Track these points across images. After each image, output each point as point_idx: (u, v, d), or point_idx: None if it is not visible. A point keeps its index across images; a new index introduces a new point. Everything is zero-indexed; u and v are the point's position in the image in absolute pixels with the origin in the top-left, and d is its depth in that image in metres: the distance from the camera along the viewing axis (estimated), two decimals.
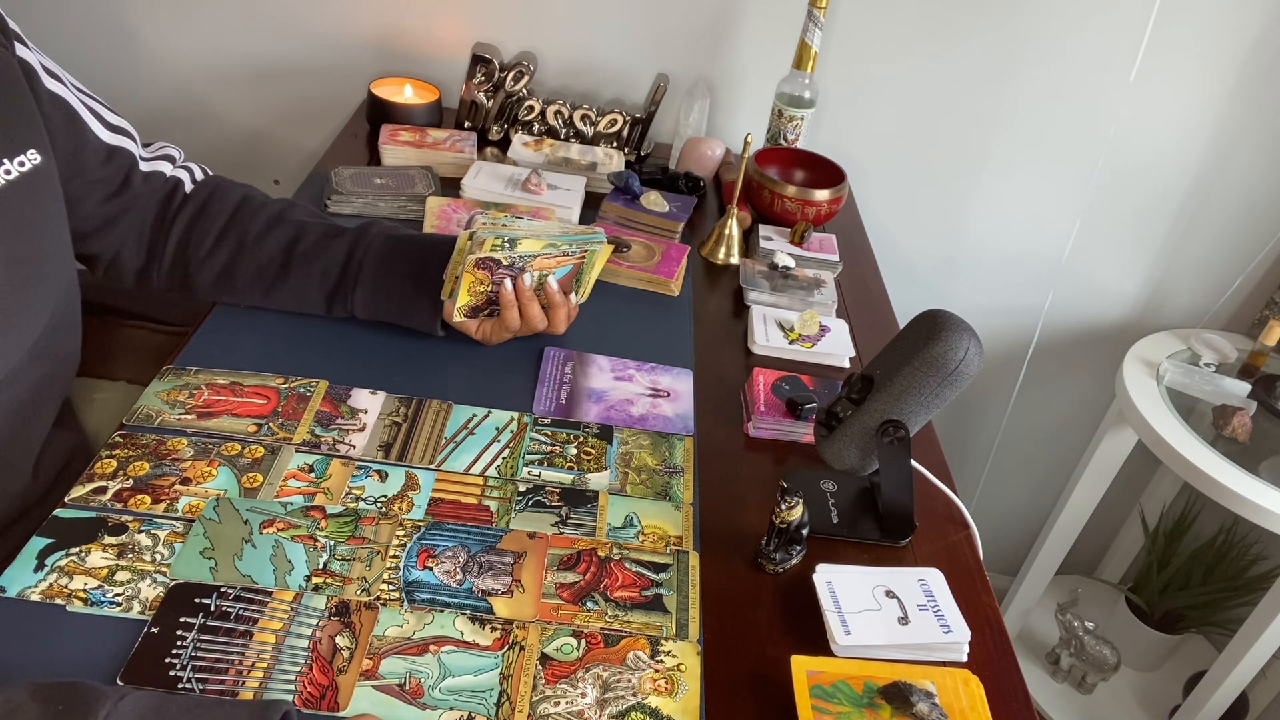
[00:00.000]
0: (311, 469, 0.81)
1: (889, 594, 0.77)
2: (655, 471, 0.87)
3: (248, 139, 1.61)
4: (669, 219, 1.25)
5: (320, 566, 0.73)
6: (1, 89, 0.75)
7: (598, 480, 0.85)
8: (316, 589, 0.71)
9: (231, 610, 0.68)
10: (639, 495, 0.84)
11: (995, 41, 1.44)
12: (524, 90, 1.40)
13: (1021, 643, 1.84)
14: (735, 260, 1.25)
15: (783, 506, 0.77)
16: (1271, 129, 1.47)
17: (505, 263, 0.91)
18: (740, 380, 1.02)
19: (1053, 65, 1.45)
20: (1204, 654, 1.84)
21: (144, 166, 0.91)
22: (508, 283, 0.92)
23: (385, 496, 0.80)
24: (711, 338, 1.09)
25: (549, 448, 0.88)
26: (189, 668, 0.64)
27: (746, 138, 1.18)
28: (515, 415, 0.91)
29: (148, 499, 0.75)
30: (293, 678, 0.64)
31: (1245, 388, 1.44)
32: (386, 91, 1.42)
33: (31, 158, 0.75)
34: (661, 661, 0.70)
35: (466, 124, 1.42)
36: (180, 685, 0.63)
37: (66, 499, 0.74)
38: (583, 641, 0.70)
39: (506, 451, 0.87)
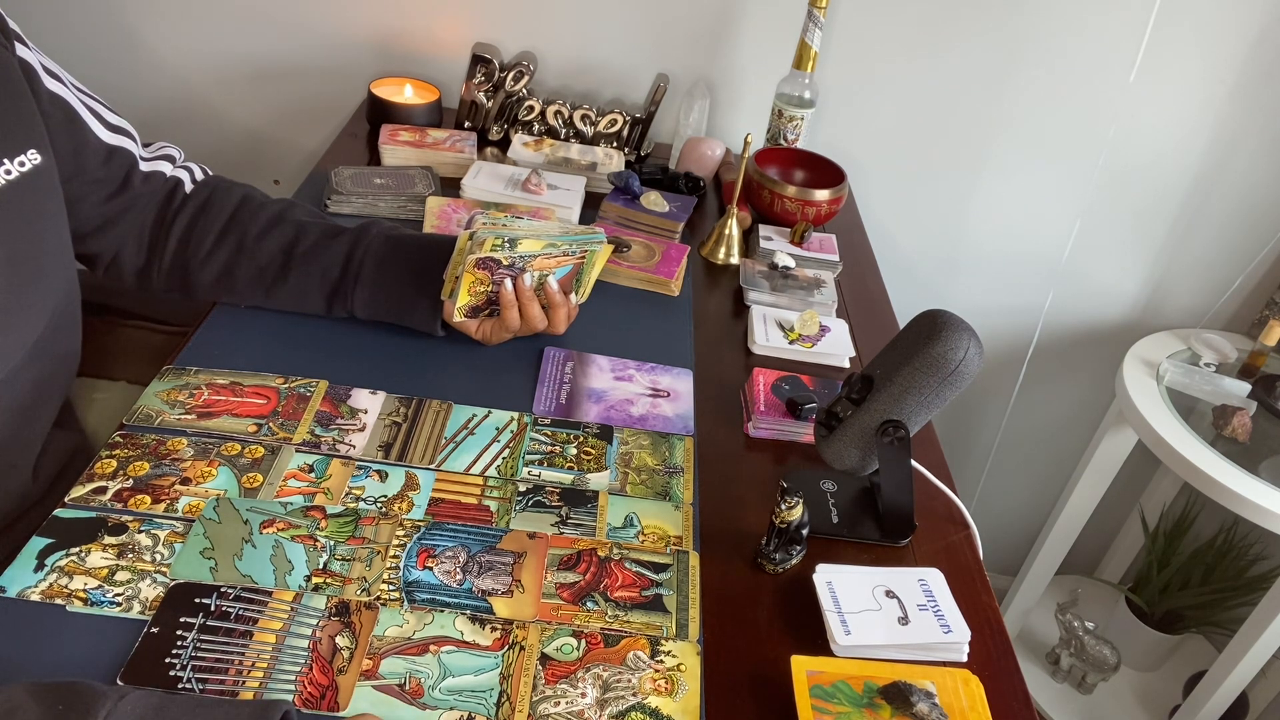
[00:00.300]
0: (311, 469, 0.81)
1: (889, 594, 0.77)
2: (655, 471, 0.87)
3: (248, 139, 1.61)
4: (669, 219, 1.25)
5: (320, 566, 0.73)
6: (2, 89, 0.75)
7: (598, 480, 0.85)
8: (316, 589, 0.71)
9: (231, 610, 0.68)
10: (639, 495, 0.84)
11: (995, 41, 1.44)
12: (524, 90, 1.40)
13: (1021, 643, 1.84)
14: (735, 260, 1.25)
15: (783, 506, 0.77)
16: (1271, 129, 1.47)
17: (505, 263, 0.91)
18: (740, 380, 1.02)
19: (1053, 65, 1.45)
20: (1204, 654, 1.84)
21: (144, 166, 0.91)
22: (508, 283, 0.92)
23: (385, 496, 0.80)
24: (711, 338, 1.09)
25: (549, 448, 0.88)
26: (189, 668, 0.64)
27: (746, 138, 1.18)
28: (515, 415, 0.91)
29: (148, 499, 0.75)
30: (293, 678, 0.64)
31: (1245, 388, 1.44)
32: (386, 91, 1.42)
33: (32, 158, 0.75)
34: (661, 661, 0.70)
35: (466, 124, 1.42)
36: (180, 685, 0.63)
37: (66, 499, 0.74)
38: (583, 641, 0.70)
39: (506, 451, 0.87)
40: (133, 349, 1.08)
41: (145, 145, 0.94)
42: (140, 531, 0.73)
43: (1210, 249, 1.60)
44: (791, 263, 1.20)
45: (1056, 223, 1.59)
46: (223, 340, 0.94)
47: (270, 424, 0.85)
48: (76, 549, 0.71)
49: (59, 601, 0.67)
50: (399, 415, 0.88)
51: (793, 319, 1.12)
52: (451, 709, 0.64)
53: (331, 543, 0.75)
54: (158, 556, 0.71)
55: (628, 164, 1.41)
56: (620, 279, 1.15)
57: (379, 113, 1.40)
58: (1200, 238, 1.59)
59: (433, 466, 0.84)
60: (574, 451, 0.88)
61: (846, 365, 1.08)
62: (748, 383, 1.00)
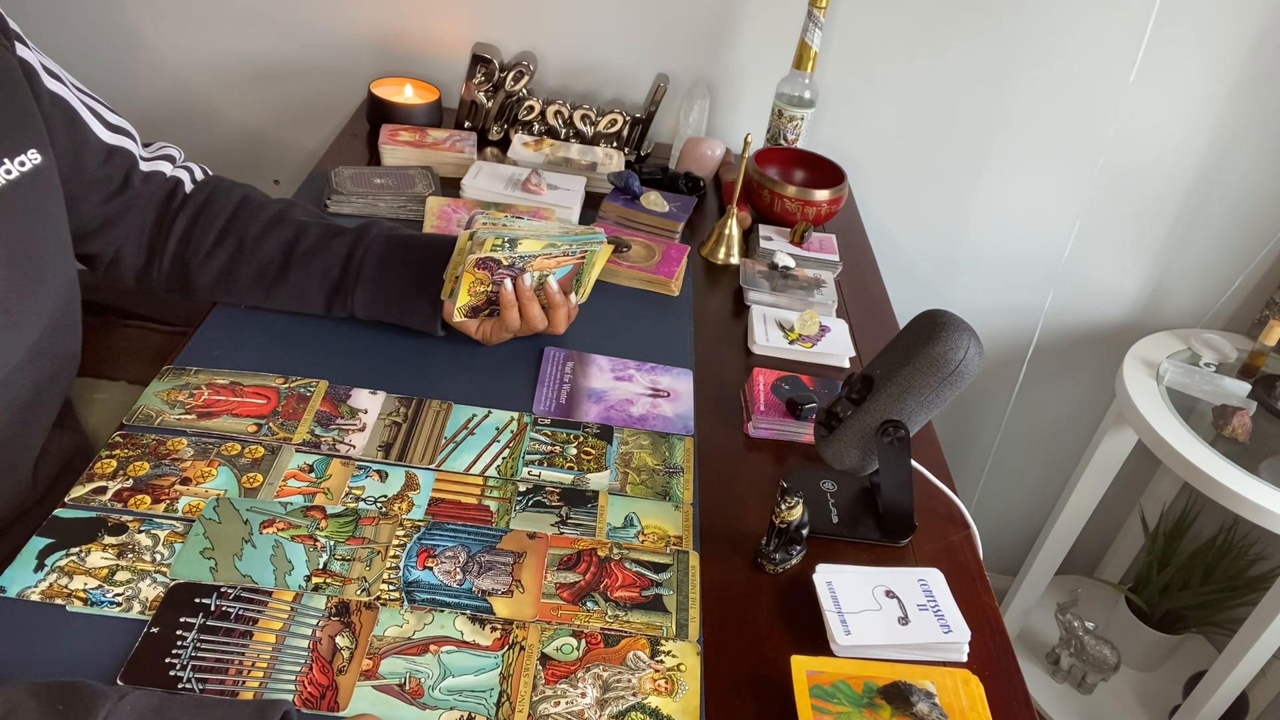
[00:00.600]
0: (311, 469, 0.81)
1: (889, 594, 0.77)
2: (655, 471, 0.87)
3: (248, 139, 1.61)
4: (669, 219, 1.25)
5: (320, 566, 0.73)
6: (2, 89, 0.75)
7: (598, 480, 0.85)
8: (316, 589, 0.71)
9: (231, 610, 0.68)
10: (639, 495, 0.84)
11: (995, 41, 1.44)
12: (524, 90, 1.40)
13: (1021, 643, 1.84)
14: (735, 260, 1.25)
15: (783, 506, 0.77)
16: (1271, 129, 1.47)
17: (505, 263, 0.91)
18: (740, 380, 1.02)
19: (1053, 65, 1.45)
20: (1204, 654, 1.84)
21: (144, 166, 0.91)
22: (508, 283, 0.92)
23: (385, 496, 0.80)
24: (711, 338, 1.09)
25: (549, 448, 0.88)
26: (189, 668, 0.64)
27: (746, 138, 1.18)
28: (515, 415, 0.91)
29: (148, 499, 0.75)
30: (293, 678, 0.64)
31: (1245, 388, 1.44)
32: (386, 91, 1.42)
33: (32, 157, 0.75)
34: (661, 661, 0.70)
35: (466, 124, 1.42)
36: (180, 685, 0.63)
37: (66, 499, 0.74)
38: (583, 641, 0.70)
39: (506, 451, 0.87)
40: (133, 349, 1.08)
41: (145, 145, 0.94)
42: (140, 531, 0.73)
43: (1210, 249, 1.60)
44: (791, 263, 1.20)
45: (1056, 223, 1.59)
46: (223, 340, 0.94)
47: (270, 424, 0.85)
48: (76, 549, 0.71)
49: (59, 601, 0.67)
50: (399, 415, 0.88)
51: (793, 319, 1.12)
52: (451, 709, 0.64)
53: (331, 543, 0.75)
54: (158, 556, 0.71)
55: (628, 164, 1.41)
56: (620, 279, 1.15)
57: (379, 113, 1.40)
58: (1200, 238, 1.59)
59: (433, 466, 0.84)
60: (574, 451, 0.88)
61: (846, 365, 1.08)
62: (748, 383, 1.00)
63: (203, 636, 0.66)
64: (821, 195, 1.29)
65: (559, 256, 0.93)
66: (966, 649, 0.74)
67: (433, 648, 0.68)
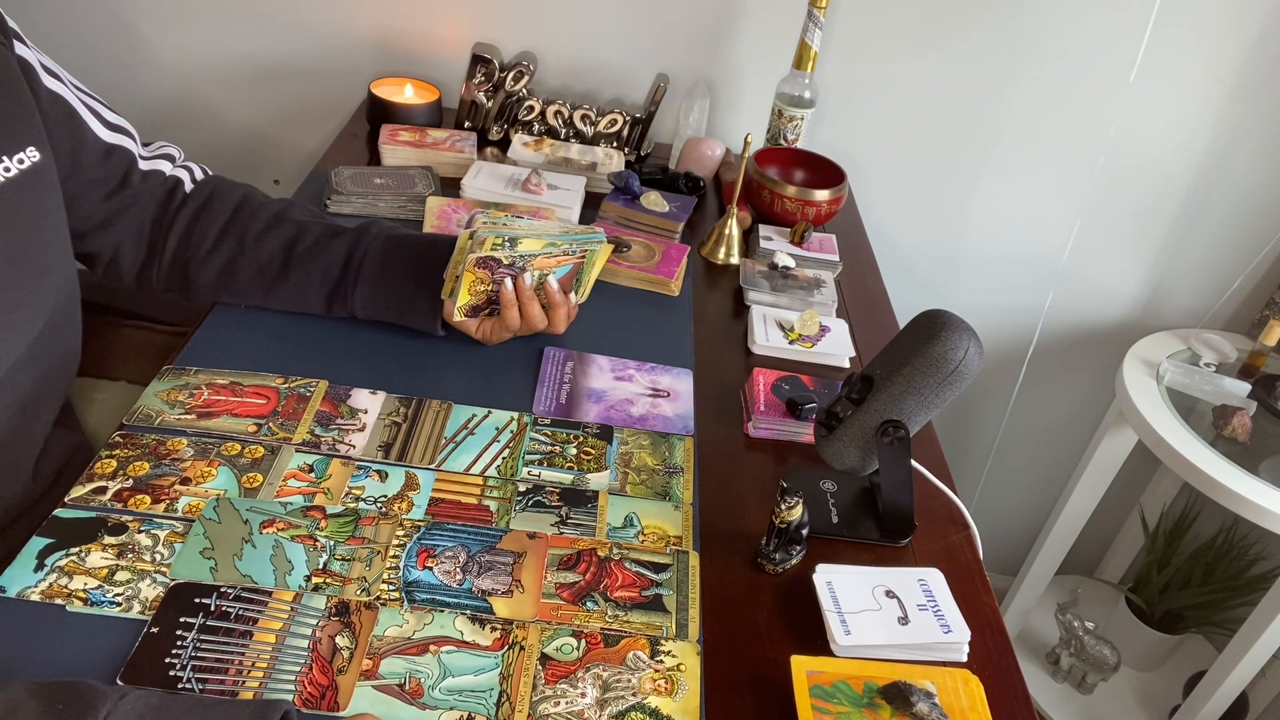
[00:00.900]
0: (311, 469, 0.81)
1: (889, 594, 0.77)
2: (655, 471, 0.87)
3: (248, 139, 1.61)
4: (669, 219, 1.25)
5: (320, 566, 0.73)
6: (0, 87, 0.75)
7: (598, 480, 0.85)
8: (316, 589, 0.71)
9: (231, 610, 0.68)
10: (639, 495, 0.84)
11: (995, 41, 1.44)
12: (524, 90, 1.40)
13: (1021, 643, 1.84)
14: (735, 260, 1.25)
15: (783, 506, 0.77)
16: (1271, 129, 1.47)
17: (506, 262, 0.91)
18: (740, 380, 1.02)
19: (1053, 65, 1.45)
20: (1204, 654, 1.84)
21: (143, 165, 0.91)
22: (508, 282, 0.92)
23: (385, 496, 0.80)
24: (711, 338, 1.09)
25: (549, 448, 0.88)
26: (189, 668, 0.64)
27: (746, 138, 1.18)
28: (515, 415, 0.91)
29: (148, 499, 0.75)
30: (293, 678, 0.64)
31: (1245, 388, 1.44)
32: (386, 91, 1.42)
33: (31, 155, 0.75)
34: (661, 661, 0.70)
35: (466, 124, 1.42)
36: (180, 685, 0.63)
37: (66, 499, 0.74)
38: (583, 641, 0.70)
39: (506, 451, 0.87)
40: (133, 349, 1.08)
41: (145, 145, 0.94)
42: (140, 531, 0.73)
43: (1210, 249, 1.60)
44: (791, 263, 1.20)
45: (1056, 223, 1.59)
46: (223, 340, 0.94)
47: (270, 424, 0.85)
48: (76, 549, 0.70)
49: (59, 601, 0.67)
50: (399, 415, 0.88)
51: (793, 319, 1.12)
52: (451, 709, 0.64)
53: (331, 543, 0.75)
54: (158, 556, 0.71)
55: (628, 164, 1.41)
56: (620, 279, 1.15)
57: (379, 113, 1.40)
58: (1200, 238, 1.59)
59: (433, 466, 0.84)
60: (574, 451, 0.88)
61: (846, 365, 1.08)
62: (748, 383, 1.00)
63: (203, 636, 0.66)
64: (821, 195, 1.29)
65: (559, 256, 0.93)
66: (966, 649, 0.74)
67: (433, 648, 0.68)
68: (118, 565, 0.70)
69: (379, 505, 0.79)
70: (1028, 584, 1.77)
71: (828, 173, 1.35)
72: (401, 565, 0.74)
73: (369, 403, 0.89)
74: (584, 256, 0.95)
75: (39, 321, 0.77)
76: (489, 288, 0.92)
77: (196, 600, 0.68)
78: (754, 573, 0.80)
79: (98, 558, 0.70)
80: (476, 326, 0.97)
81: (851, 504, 0.87)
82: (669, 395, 0.97)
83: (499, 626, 0.70)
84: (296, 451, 0.83)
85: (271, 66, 1.53)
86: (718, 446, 0.93)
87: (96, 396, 1.03)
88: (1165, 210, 1.57)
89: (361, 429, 0.86)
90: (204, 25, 1.49)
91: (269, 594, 0.70)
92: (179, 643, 0.65)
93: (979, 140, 1.53)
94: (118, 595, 0.68)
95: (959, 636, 0.74)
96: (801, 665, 0.69)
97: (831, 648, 0.73)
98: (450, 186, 1.27)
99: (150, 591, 0.68)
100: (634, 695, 0.67)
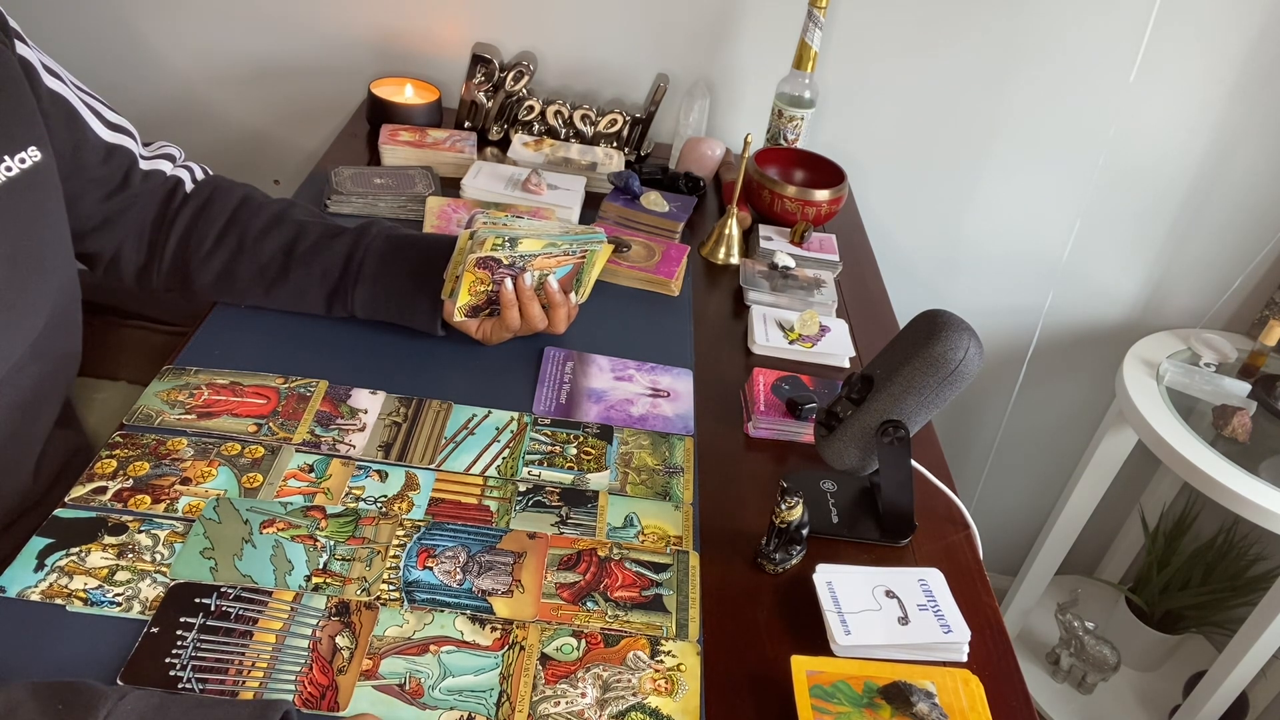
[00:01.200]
0: (311, 469, 0.81)
1: (889, 594, 0.77)
2: (655, 471, 0.87)
3: (248, 139, 1.61)
4: (669, 219, 1.25)
5: (320, 566, 0.73)
6: (1, 86, 0.75)
7: (598, 480, 0.85)
8: (316, 589, 0.71)
9: (231, 610, 0.68)
10: (639, 495, 0.84)
11: (995, 41, 1.44)
12: (524, 90, 1.40)
13: (1021, 643, 1.84)
14: (735, 260, 1.25)
15: (783, 506, 0.77)
16: (1271, 129, 1.47)
17: (506, 262, 0.91)
18: (740, 380, 1.02)
19: (1052, 65, 1.45)
20: (1204, 654, 1.84)
21: (144, 165, 0.91)
22: (508, 282, 0.92)
23: (385, 496, 0.80)
24: (711, 338, 1.09)
25: (549, 448, 0.88)
26: (189, 668, 0.64)
27: (746, 138, 1.18)
28: (515, 415, 0.91)
29: (148, 499, 0.75)
30: (293, 678, 0.64)
31: (1245, 388, 1.44)
32: (386, 91, 1.42)
33: (32, 155, 0.75)
34: (661, 661, 0.70)
35: (466, 124, 1.42)
36: (180, 685, 0.63)
37: (66, 499, 0.74)
38: (583, 641, 0.70)
39: (506, 451, 0.87)
40: (133, 349, 1.08)
41: (145, 144, 0.94)
42: (140, 531, 0.73)
43: (1210, 249, 1.60)
44: (791, 263, 1.20)
45: (1056, 223, 1.59)
46: (223, 340, 0.94)
47: (270, 424, 0.85)
48: (76, 549, 0.70)
49: (59, 601, 0.67)
50: (399, 415, 0.88)
51: (793, 319, 1.12)
52: (451, 709, 0.64)
53: (331, 543, 0.75)
54: (158, 556, 0.71)
55: (628, 164, 1.41)
56: (620, 279, 1.15)
57: (379, 113, 1.40)
58: (1200, 238, 1.59)
59: (433, 466, 0.84)
60: (574, 451, 0.88)
61: (846, 365, 1.08)
62: (748, 383, 1.00)
63: (203, 636, 0.66)
64: (821, 195, 1.29)
65: (559, 256, 0.93)
66: (966, 649, 0.74)
67: (433, 648, 0.68)
68: (118, 565, 0.70)
69: (379, 505, 0.79)
70: (1028, 584, 1.77)
71: (828, 173, 1.35)
72: (402, 565, 0.74)
73: (369, 403, 0.89)
74: (584, 256, 0.95)
75: (39, 321, 0.77)
76: (489, 288, 0.92)
77: (196, 600, 0.68)
78: (754, 573, 0.80)
79: (98, 558, 0.70)
80: (476, 327, 0.97)
81: (851, 504, 0.87)
82: (669, 395, 0.98)
83: (499, 626, 0.70)
84: (296, 451, 0.83)
85: (271, 66, 1.53)
86: (718, 446, 0.93)
87: (96, 396, 1.03)
88: (1165, 210, 1.57)
89: (362, 429, 0.86)
90: (204, 25, 1.49)
91: (269, 594, 0.70)
92: (179, 643, 0.65)
93: (979, 140, 1.53)
94: (118, 595, 0.68)
95: (959, 636, 0.74)
96: (801, 665, 0.69)
97: (831, 648, 0.73)
98: (450, 186, 1.27)
99: (150, 591, 0.68)
100: (634, 695, 0.67)
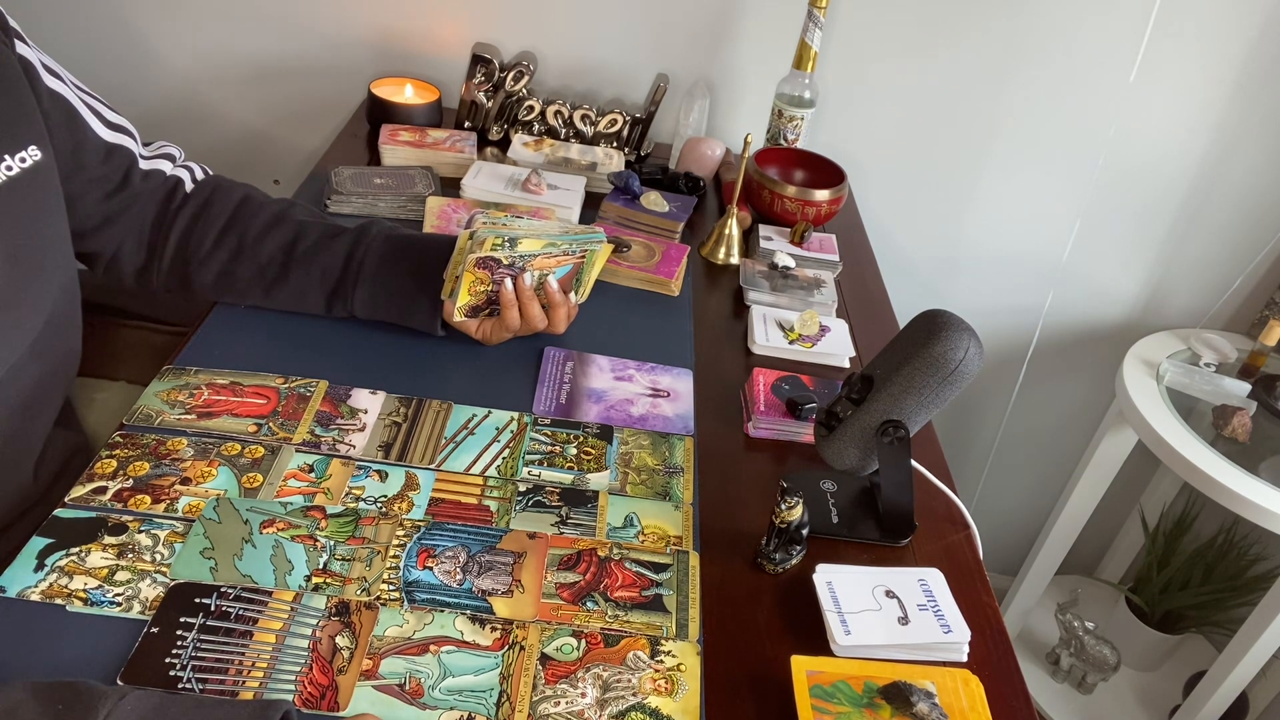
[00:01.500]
0: (311, 469, 0.81)
1: (889, 594, 0.77)
2: (655, 471, 0.87)
3: (248, 139, 1.61)
4: (669, 219, 1.25)
5: (320, 566, 0.73)
6: (1, 86, 0.75)
7: (598, 480, 0.85)
8: (316, 589, 0.71)
9: (231, 610, 0.68)
10: (639, 495, 0.84)
11: (995, 41, 1.44)
12: (524, 90, 1.40)
13: (1021, 643, 1.84)
14: (735, 260, 1.25)
15: (783, 506, 0.77)
16: (1271, 129, 1.47)
17: (506, 262, 0.91)
18: (740, 380, 1.02)
19: (1052, 65, 1.45)
20: (1204, 654, 1.84)
21: (144, 165, 0.91)
22: (508, 282, 0.92)
23: (385, 496, 0.80)
24: (711, 338, 1.09)
25: (549, 448, 0.88)
26: (189, 668, 0.64)
27: (746, 138, 1.18)
28: (515, 415, 0.91)
29: (148, 499, 0.75)
30: (293, 678, 0.64)
31: (1245, 388, 1.44)
32: (386, 91, 1.42)
33: (32, 154, 0.75)
34: (661, 661, 0.70)
35: (466, 124, 1.42)
36: (180, 685, 0.63)
37: (66, 499, 0.74)
38: (583, 641, 0.70)
39: (506, 451, 0.87)
40: (133, 349, 1.08)
41: (145, 144, 0.94)
42: (140, 531, 0.73)
43: (1210, 249, 1.60)
44: (791, 263, 1.20)
45: (1056, 223, 1.60)
46: (223, 340, 0.94)
47: (270, 424, 0.85)
48: (76, 549, 0.70)
49: (59, 601, 0.67)
50: (399, 415, 0.88)
51: (793, 319, 1.12)
52: (451, 709, 0.64)
53: (331, 543, 0.75)
54: (158, 556, 0.71)
55: (628, 164, 1.41)
56: (620, 279, 1.15)
57: (379, 113, 1.40)
58: (1200, 238, 1.59)
59: (433, 466, 0.84)
60: (574, 451, 0.88)
61: (846, 365, 1.08)
62: (748, 383, 1.00)
63: (203, 636, 0.66)
64: (821, 195, 1.29)
65: (559, 256, 0.93)
66: (966, 649, 0.74)
67: (433, 648, 0.68)
68: (118, 565, 0.70)
69: (379, 505, 0.79)
70: (1028, 584, 1.77)
71: (828, 173, 1.35)
72: (401, 565, 0.74)
73: (369, 403, 0.89)
74: (584, 256, 0.95)
75: (39, 321, 0.77)
76: (489, 288, 0.92)
77: (196, 600, 0.68)
78: (754, 573, 0.80)
79: (98, 558, 0.70)
80: (476, 327, 0.97)
81: (851, 504, 0.87)
82: (669, 395, 0.98)
83: (499, 626, 0.70)
84: (296, 451, 0.83)
85: (271, 66, 1.53)
86: (718, 446, 0.93)
87: (96, 396, 1.03)
88: (1165, 210, 1.57)
89: (361, 429, 0.86)
90: (204, 25, 1.49)
91: (269, 594, 0.70)
92: (179, 643, 0.65)
93: (979, 140, 1.53)
94: (118, 595, 0.68)
95: (959, 636, 0.74)
96: (801, 665, 0.69)
97: (831, 648, 0.73)
98: (450, 186, 1.27)
99: (150, 591, 0.68)
100: (634, 695, 0.67)
